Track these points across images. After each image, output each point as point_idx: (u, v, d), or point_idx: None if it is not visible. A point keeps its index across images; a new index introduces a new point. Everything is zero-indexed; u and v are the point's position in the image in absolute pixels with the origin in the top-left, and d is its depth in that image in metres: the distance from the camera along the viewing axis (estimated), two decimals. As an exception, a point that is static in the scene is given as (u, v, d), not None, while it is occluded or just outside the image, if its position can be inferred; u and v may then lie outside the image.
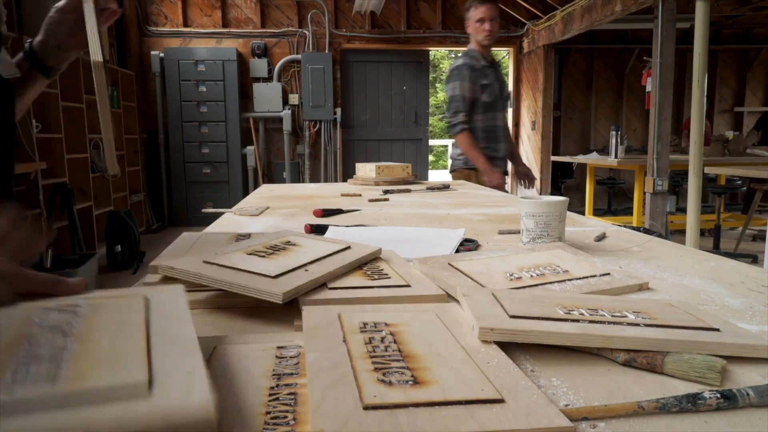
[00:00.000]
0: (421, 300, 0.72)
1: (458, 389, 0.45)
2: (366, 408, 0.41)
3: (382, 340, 0.54)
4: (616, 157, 5.00)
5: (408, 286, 0.75)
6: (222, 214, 1.62)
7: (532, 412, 0.42)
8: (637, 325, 0.56)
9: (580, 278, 0.80)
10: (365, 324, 0.59)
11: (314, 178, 6.84)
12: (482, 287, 0.71)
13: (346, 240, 0.96)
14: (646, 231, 1.57)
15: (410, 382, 0.45)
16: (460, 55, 2.91)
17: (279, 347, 0.56)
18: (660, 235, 1.42)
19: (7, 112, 0.96)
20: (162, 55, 6.37)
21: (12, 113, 0.98)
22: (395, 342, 0.54)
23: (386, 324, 0.59)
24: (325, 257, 0.82)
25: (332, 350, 0.52)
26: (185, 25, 6.57)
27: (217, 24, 6.61)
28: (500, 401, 0.43)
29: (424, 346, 0.53)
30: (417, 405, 0.42)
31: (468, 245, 1.08)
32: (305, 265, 0.78)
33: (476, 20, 2.72)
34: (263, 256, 0.80)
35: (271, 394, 0.46)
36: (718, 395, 0.44)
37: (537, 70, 6.64)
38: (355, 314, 0.62)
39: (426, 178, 6.04)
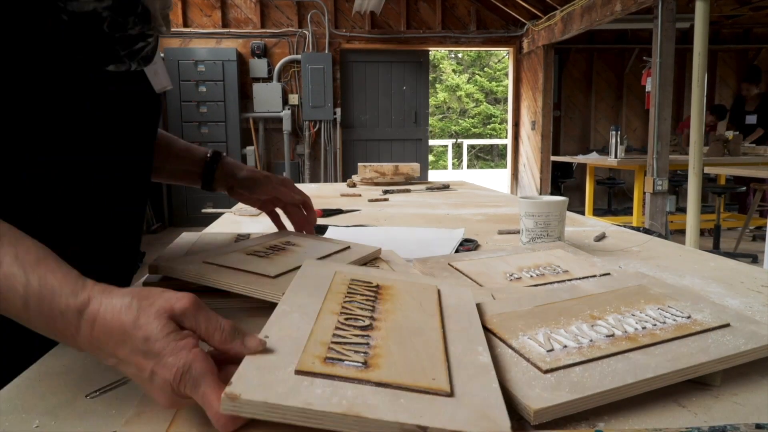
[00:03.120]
0: None
1: (407, 372, 0.43)
2: (297, 373, 0.41)
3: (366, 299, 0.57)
4: (616, 157, 5.00)
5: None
6: (222, 214, 1.61)
7: (474, 411, 0.39)
8: (666, 341, 0.53)
9: (580, 278, 0.79)
10: (355, 280, 0.61)
11: (314, 179, 6.83)
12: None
13: (345, 240, 0.96)
14: (646, 231, 1.57)
15: (360, 363, 0.44)
16: None
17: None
18: (660, 235, 1.43)
19: (149, 129, 0.83)
20: (162, 55, 6.37)
21: (154, 131, 0.86)
22: (377, 299, 0.57)
23: (378, 286, 0.60)
24: (324, 257, 0.82)
25: (305, 306, 0.53)
26: (185, 25, 6.58)
27: (217, 24, 6.61)
28: (448, 395, 0.41)
29: (404, 319, 0.53)
30: (350, 379, 0.41)
31: (467, 245, 1.08)
32: None
33: None
34: (263, 257, 0.80)
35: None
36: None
37: (537, 70, 6.64)
38: (351, 272, 0.64)
39: (426, 178, 6.03)
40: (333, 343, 0.46)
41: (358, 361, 0.44)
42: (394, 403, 0.39)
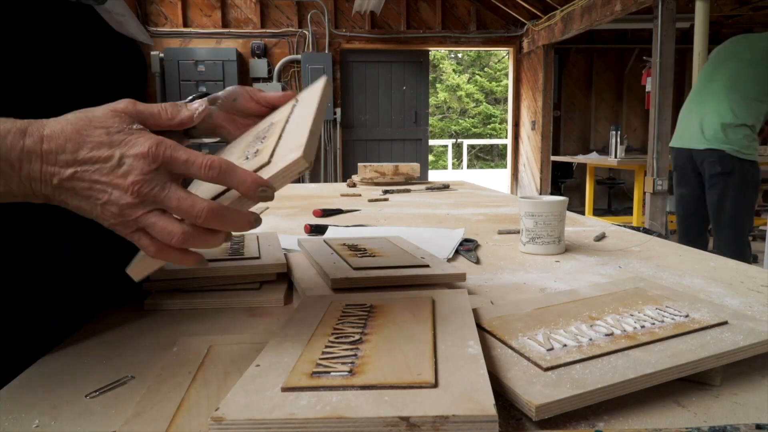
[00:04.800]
0: (438, 279, 0.74)
1: (392, 373, 0.43)
2: (284, 390, 0.42)
3: (358, 317, 0.57)
4: (616, 157, 5.00)
5: (427, 266, 0.77)
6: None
7: (458, 396, 0.40)
8: (663, 339, 0.52)
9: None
10: (349, 305, 0.61)
11: (314, 179, 6.83)
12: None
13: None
14: (646, 231, 1.57)
15: (346, 372, 0.44)
16: None
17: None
18: (660, 235, 1.43)
19: (138, 87, 0.77)
20: (162, 55, 6.37)
21: (142, 91, 0.78)
22: (370, 317, 0.57)
23: (372, 306, 0.61)
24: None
25: (298, 335, 0.53)
26: (185, 25, 6.57)
27: (217, 24, 6.61)
28: (432, 386, 0.41)
29: (395, 330, 0.53)
30: (338, 387, 0.42)
31: (467, 245, 1.08)
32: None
33: None
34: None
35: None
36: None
37: (537, 70, 6.63)
38: (346, 299, 0.64)
39: (426, 178, 6.03)
40: (321, 359, 0.47)
41: (344, 371, 0.44)
42: (378, 401, 0.39)
